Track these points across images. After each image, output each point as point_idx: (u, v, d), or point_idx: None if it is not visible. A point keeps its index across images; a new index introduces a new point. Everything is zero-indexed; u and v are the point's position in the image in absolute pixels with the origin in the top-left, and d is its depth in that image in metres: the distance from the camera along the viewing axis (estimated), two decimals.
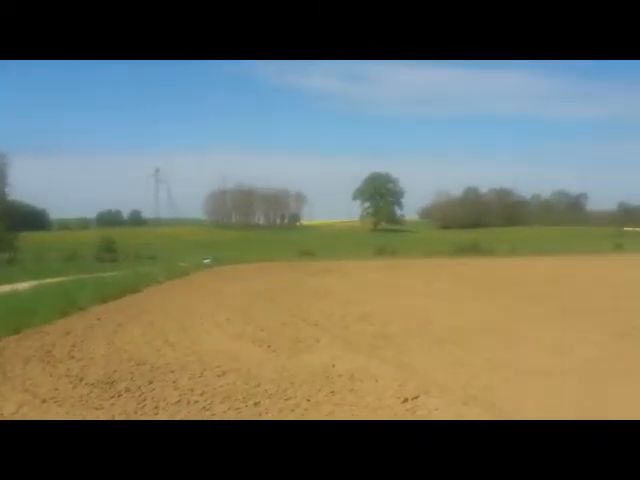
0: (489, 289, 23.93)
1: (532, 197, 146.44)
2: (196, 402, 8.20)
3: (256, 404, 8.02)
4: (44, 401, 8.34)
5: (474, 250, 59.85)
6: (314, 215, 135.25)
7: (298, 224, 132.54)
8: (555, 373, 9.33)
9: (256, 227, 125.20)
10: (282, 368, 9.94)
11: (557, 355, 10.76)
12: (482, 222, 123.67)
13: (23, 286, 22.42)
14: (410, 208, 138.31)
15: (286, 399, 8.22)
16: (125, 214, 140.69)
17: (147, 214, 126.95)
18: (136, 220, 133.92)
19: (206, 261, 44.36)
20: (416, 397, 8.08)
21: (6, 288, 21.57)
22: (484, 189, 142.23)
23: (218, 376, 9.53)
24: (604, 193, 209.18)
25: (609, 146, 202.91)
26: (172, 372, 9.84)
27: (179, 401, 8.28)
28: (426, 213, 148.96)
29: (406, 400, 7.97)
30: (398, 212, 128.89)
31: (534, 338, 12.43)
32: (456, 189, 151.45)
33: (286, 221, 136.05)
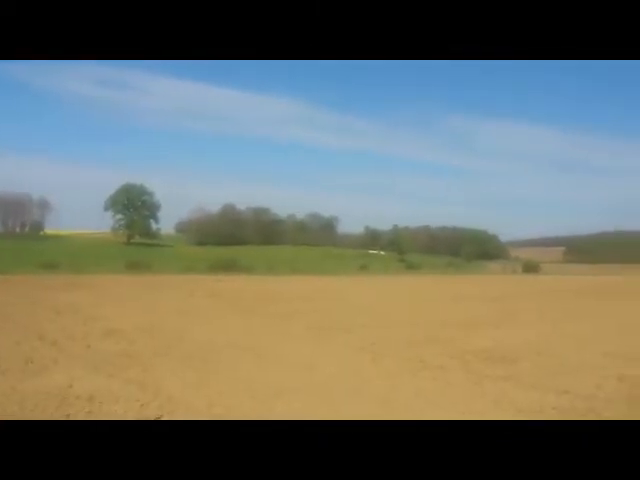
0: (244, 306, 24.53)
1: (288, 217, 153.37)
2: None
3: None
4: None
5: (232, 267, 60.88)
6: (61, 224, 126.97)
7: (41, 233, 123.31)
8: (299, 388, 9.85)
9: None
10: (10, 391, 9.22)
11: (302, 371, 11.39)
12: (239, 239, 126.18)
13: None
14: (166, 222, 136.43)
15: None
16: None
17: None
18: None
19: None
20: (159, 417, 8.05)
21: None
22: (242, 206, 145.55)
23: None
24: (353, 217, 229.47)
25: (359, 176, 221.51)
26: None
27: None
28: (183, 228, 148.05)
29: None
30: (154, 226, 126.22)
31: (282, 355, 13.07)
32: (214, 205, 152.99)
33: (27, 229, 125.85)
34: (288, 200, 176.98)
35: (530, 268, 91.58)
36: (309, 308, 24.33)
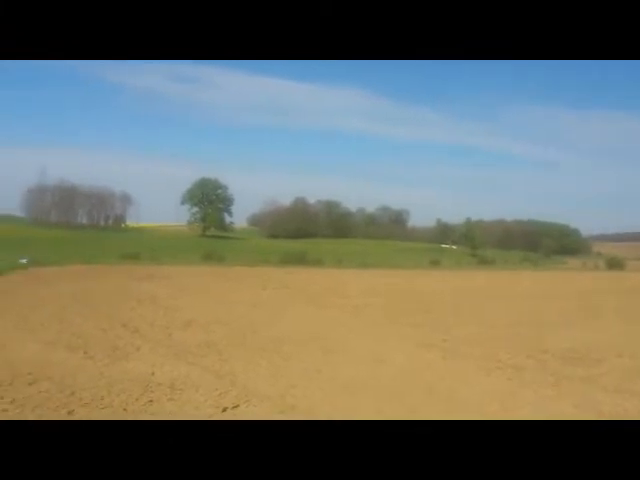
0: (314, 299, 24.74)
1: (357, 210, 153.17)
2: (5, 411, 7.84)
3: (69, 413, 7.84)
4: None
5: (302, 260, 61.30)
6: (141, 217, 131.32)
7: (123, 226, 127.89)
8: (369, 383, 9.94)
9: (78, 227, 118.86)
10: (99, 376, 9.74)
11: (372, 365, 11.47)
12: (310, 232, 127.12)
13: None
14: (240, 215, 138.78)
15: (102, 408, 8.10)
16: None
17: None
18: None
19: (22, 261, 41.52)
20: (236, 406, 8.31)
21: None
22: (312, 200, 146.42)
23: (30, 384, 9.14)
24: (424, 210, 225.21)
25: (430, 168, 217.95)
26: None
27: None
28: (255, 221, 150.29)
29: (225, 409, 8.17)
30: (227, 219, 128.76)
31: (352, 348, 13.17)
32: (285, 198, 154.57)
33: (110, 222, 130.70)
34: (358, 193, 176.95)
35: (614, 264, 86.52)
36: (379, 302, 24.32)
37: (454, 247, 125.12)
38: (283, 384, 9.65)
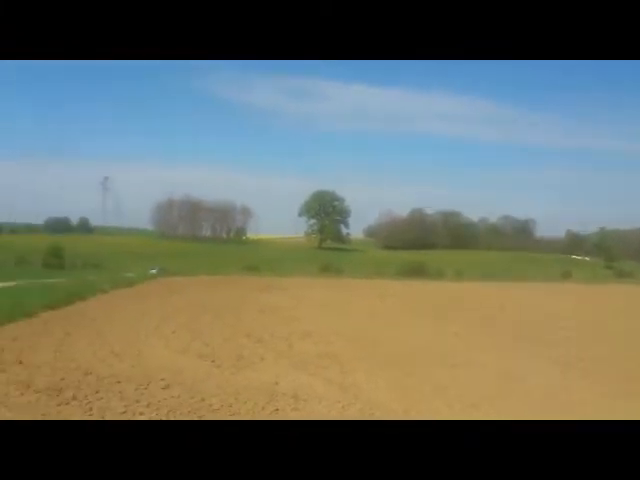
0: (434, 312, 24.47)
1: (479, 220, 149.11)
2: (141, 414, 8.40)
3: (200, 418, 8.28)
4: None
5: (421, 272, 60.63)
6: (260, 229, 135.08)
7: (244, 238, 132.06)
8: (498, 400, 9.65)
9: (202, 239, 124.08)
10: (226, 383, 10.20)
11: (499, 382, 11.11)
12: (428, 243, 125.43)
13: None
14: (356, 227, 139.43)
15: (230, 415, 8.49)
16: (73, 221, 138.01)
17: (95, 222, 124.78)
18: (84, 227, 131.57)
19: (152, 272, 44.00)
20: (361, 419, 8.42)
21: None
22: (430, 210, 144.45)
23: (163, 389, 9.73)
24: (552, 220, 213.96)
25: (560, 174, 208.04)
26: (118, 383, 10.00)
27: (125, 412, 8.46)
28: (371, 232, 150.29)
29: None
30: (344, 230, 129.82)
31: (477, 364, 12.86)
32: (402, 209, 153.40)
33: (232, 234, 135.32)
34: (479, 202, 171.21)
35: None
36: (503, 316, 23.67)
37: (587, 259, 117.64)
38: (407, 397, 9.66)
